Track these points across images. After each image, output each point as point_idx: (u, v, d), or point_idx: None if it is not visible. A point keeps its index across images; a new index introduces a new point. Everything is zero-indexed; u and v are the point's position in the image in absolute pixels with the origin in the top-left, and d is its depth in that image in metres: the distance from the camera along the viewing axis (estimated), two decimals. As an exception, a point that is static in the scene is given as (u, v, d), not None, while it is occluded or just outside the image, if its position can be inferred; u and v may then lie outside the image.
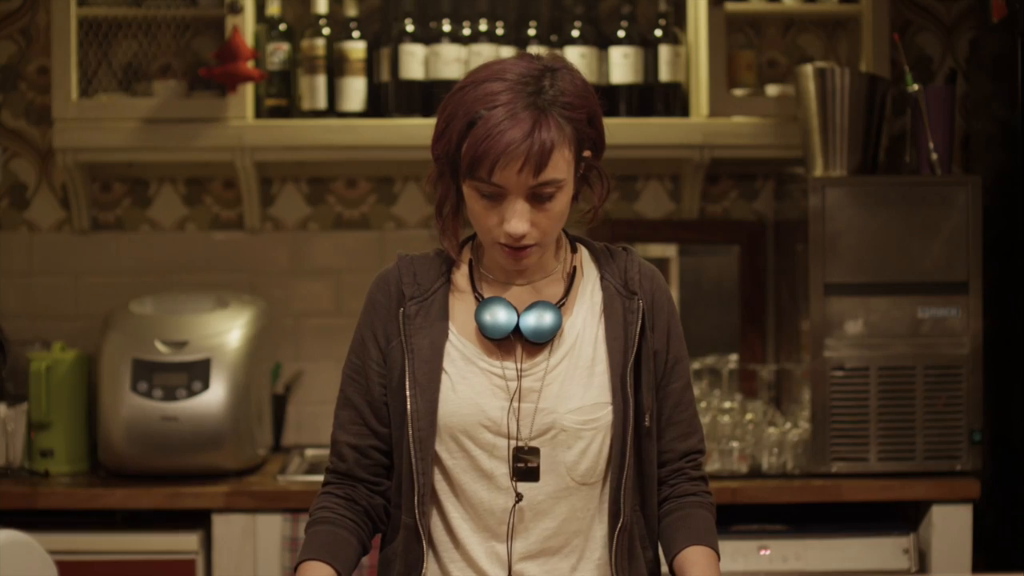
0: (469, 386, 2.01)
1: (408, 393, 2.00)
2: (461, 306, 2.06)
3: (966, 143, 3.77)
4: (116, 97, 3.63)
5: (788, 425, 3.39)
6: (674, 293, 3.85)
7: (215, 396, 3.31)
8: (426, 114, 3.59)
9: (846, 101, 3.38)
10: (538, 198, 1.97)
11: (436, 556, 2.03)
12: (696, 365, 3.60)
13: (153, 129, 3.57)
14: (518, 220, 1.95)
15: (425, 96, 3.59)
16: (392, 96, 3.60)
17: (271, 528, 3.24)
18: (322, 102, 3.60)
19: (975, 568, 3.29)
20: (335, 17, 3.65)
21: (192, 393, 3.31)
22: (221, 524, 3.25)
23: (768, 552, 3.25)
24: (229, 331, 3.40)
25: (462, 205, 2.03)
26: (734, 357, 3.63)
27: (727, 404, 3.44)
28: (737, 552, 3.24)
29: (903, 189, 3.35)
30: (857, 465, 3.31)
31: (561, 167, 1.98)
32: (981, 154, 3.67)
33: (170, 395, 3.30)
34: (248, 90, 3.56)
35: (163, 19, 3.65)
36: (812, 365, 3.32)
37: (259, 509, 3.24)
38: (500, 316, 2.03)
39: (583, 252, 2.14)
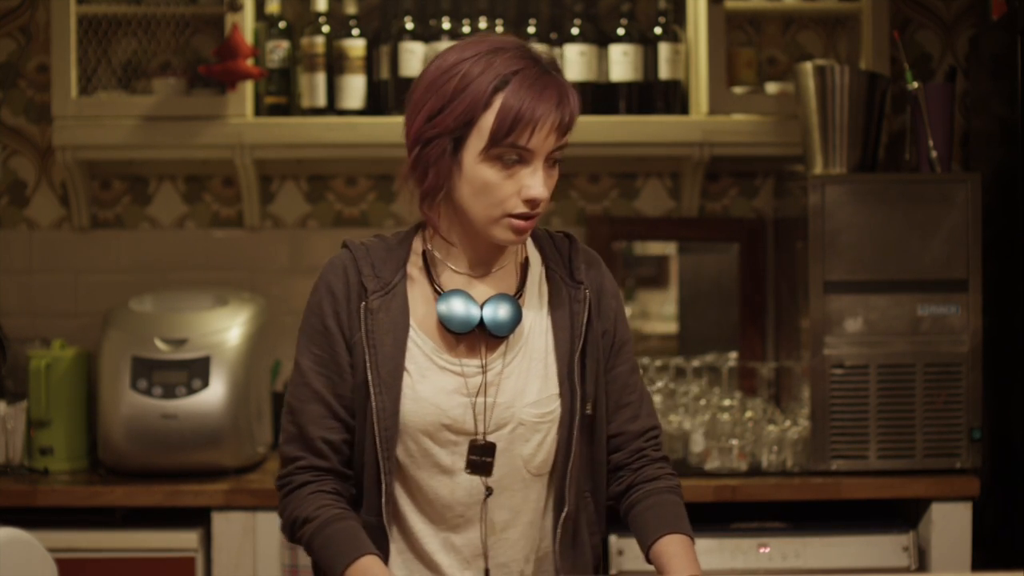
0: (430, 384, 2.00)
1: (373, 391, 1.98)
2: (420, 300, 2.04)
3: (966, 141, 3.77)
4: (116, 95, 3.63)
5: (788, 423, 3.39)
6: (673, 291, 3.85)
7: (215, 394, 3.31)
8: (426, 112, 3.58)
9: (846, 99, 3.38)
10: (550, 163, 1.98)
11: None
12: (695, 363, 3.61)
13: (153, 127, 3.57)
14: (541, 184, 1.95)
15: (425, 94, 3.58)
16: (392, 94, 3.60)
17: (271, 526, 3.24)
18: (322, 100, 3.60)
19: (974, 566, 3.29)
20: (335, 15, 3.65)
21: (192, 391, 3.31)
22: (221, 522, 3.25)
23: (767, 550, 3.25)
24: (229, 329, 3.40)
25: (452, 187, 2.00)
26: (733, 355, 3.63)
27: (727, 402, 3.44)
28: (736, 550, 3.25)
29: (903, 187, 3.35)
30: (857, 463, 3.31)
31: (570, 133, 2.00)
32: (981, 152, 3.67)
33: (170, 393, 3.30)
34: (248, 88, 3.56)
35: (163, 17, 3.65)
36: (812, 363, 3.32)
37: (259, 507, 3.24)
38: (461, 309, 2.01)
39: (528, 240, 2.12)
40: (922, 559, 3.28)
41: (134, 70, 3.73)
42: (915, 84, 3.43)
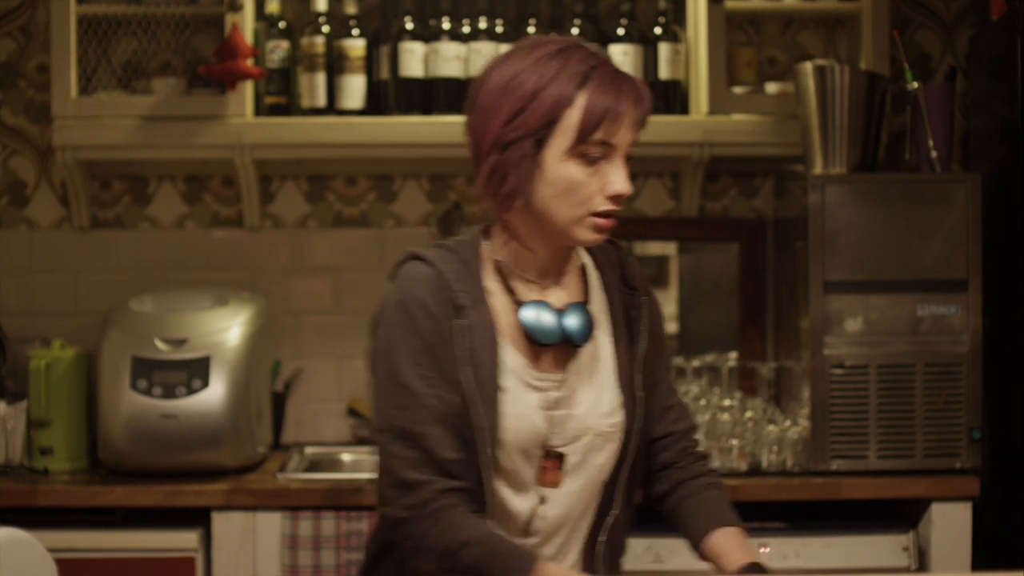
0: (524, 403, 1.96)
1: (475, 411, 1.93)
2: (500, 312, 1.99)
3: (966, 141, 3.77)
4: (116, 95, 3.63)
5: (787, 423, 3.39)
6: (673, 291, 3.86)
7: (215, 394, 3.31)
8: (425, 112, 3.59)
9: (846, 99, 3.38)
10: (627, 160, 1.96)
11: None
12: (695, 363, 3.60)
13: (152, 127, 3.57)
14: (625, 179, 1.93)
15: (425, 94, 3.59)
16: (392, 94, 3.60)
17: (271, 526, 3.24)
18: (322, 100, 3.60)
19: (974, 566, 3.29)
20: (335, 15, 3.65)
21: (192, 391, 3.31)
22: (221, 522, 3.25)
23: (767, 550, 3.25)
24: (229, 329, 3.40)
25: (533, 190, 1.95)
26: (733, 355, 3.63)
27: (726, 402, 3.44)
28: (736, 550, 3.24)
29: (903, 187, 3.35)
30: (856, 463, 3.31)
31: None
32: (981, 152, 3.67)
33: (170, 393, 3.30)
34: (248, 88, 3.56)
35: (163, 17, 3.66)
36: (811, 363, 3.32)
37: (259, 507, 3.24)
38: (547, 320, 1.97)
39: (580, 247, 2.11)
40: (922, 559, 3.28)
41: (134, 70, 3.73)
42: (915, 84, 3.43)
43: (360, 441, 3.80)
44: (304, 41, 3.62)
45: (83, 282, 3.81)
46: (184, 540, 3.25)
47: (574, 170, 1.92)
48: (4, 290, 3.78)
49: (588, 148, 1.91)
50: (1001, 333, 3.43)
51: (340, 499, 3.24)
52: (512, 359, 1.97)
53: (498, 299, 2.00)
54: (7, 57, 3.79)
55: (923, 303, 3.33)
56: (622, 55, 3.61)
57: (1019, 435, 3.38)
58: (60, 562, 2.13)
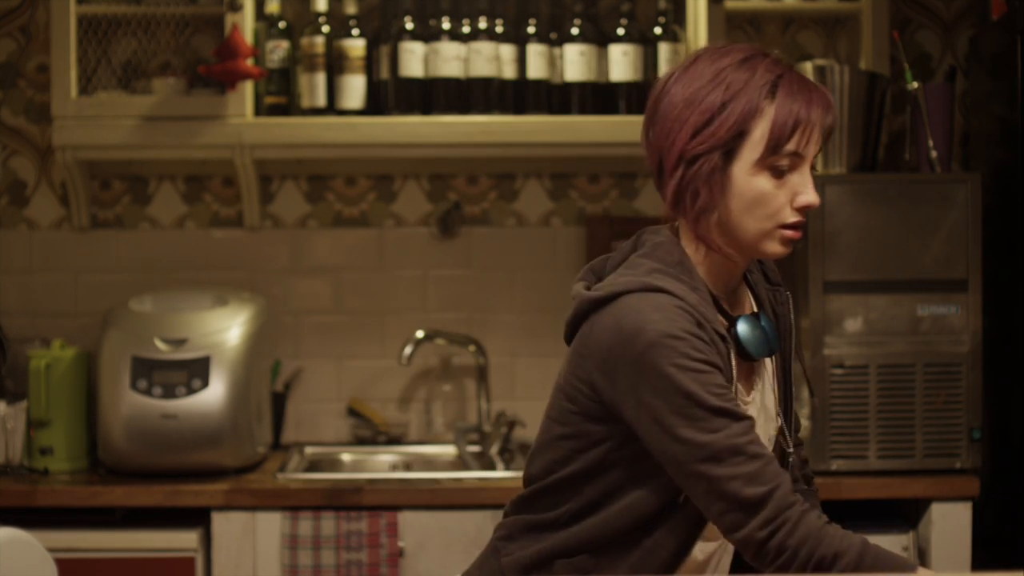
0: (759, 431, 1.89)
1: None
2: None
3: (965, 141, 3.77)
4: (115, 95, 3.63)
5: (787, 423, 3.39)
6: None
7: (214, 394, 3.31)
8: (425, 112, 3.59)
9: (845, 99, 3.38)
10: (812, 170, 1.91)
11: None
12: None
13: (152, 127, 3.57)
14: (813, 190, 1.88)
15: (424, 94, 3.59)
16: (392, 94, 3.60)
17: (271, 526, 3.24)
18: (322, 100, 3.60)
19: (974, 566, 3.29)
20: (334, 15, 3.65)
21: (191, 391, 3.31)
22: (221, 522, 3.25)
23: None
24: (228, 329, 3.39)
25: (723, 204, 1.90)
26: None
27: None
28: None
29: (903, 187, 3.35)
30: (856, 463, 3.31)
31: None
32: (980, 152, 3.67)
33: (170, 393, 3.30)
34: (248, 88, 3.56)
35: (163, 17, 3.65)
36: (812, 363, 3.32)
37: (259, 507, 3.25)
38: (759, 333, 1.92)
39: None
40: (922, 559, 3.28)
41: (134, 70, 3.73)
42: (915, 84, 3.43)
43: (360, 441, 3.80)
44: (304, 41, 3.62)
45: (83, 282, 3.81)
46: (184, 540, 3.25)
47: (763, 183, 1.88)
48: (4, 290, 3.78)
49: (778, 160, 1.87)
50: (1001, 333, 3.43)
51: (340, 499, 3.24)
52: (737, 387, 1.92)
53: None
54: (7, 57, 3.79)
55: (923, 303, 3.33)
56: (622, 55, 3.61)
57: (1019, 435, 3.38)
58: (60, 562, 2.13)
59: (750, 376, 1.97)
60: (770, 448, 1.98)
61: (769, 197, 1.87)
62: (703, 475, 1.79)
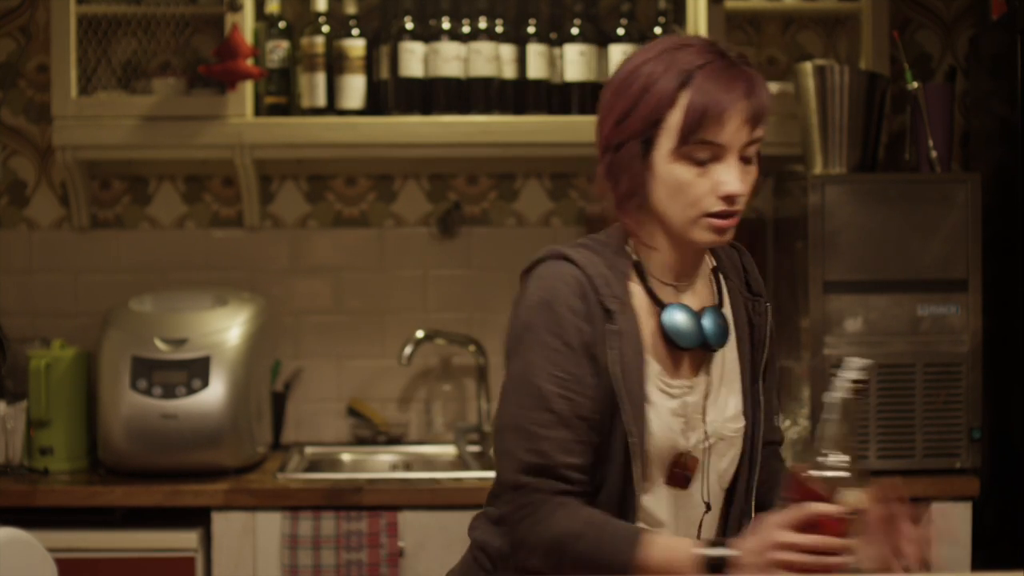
0: (666, 412, 1.93)
1: (626, 420, 1.88)
2: (641, 315, 1.95)
3: (965, 140, 3.77)
4: (115, 95, 3.63)
5: (787, 423, 3.39)
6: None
7: (214, 394, 3.31)
8: (425, 112, 3.59)
9: (845, 99, 3.38)
10: (745, 160, 1.91)
11: None
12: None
13: (152, 127, 3.57)
14: (737, 179, 1.89)
15: (424, 94, 3.59)
16: (391, 94, 3.60)
17: (270, 526, 3.24)
18: (321, 100, 3.60)
19: (974, 566, 3.29)
20: (334, 15, 3.65)
21: (191, 391, 3.31)
22: (221, 522, 3.25)
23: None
24: (228, 329, 3.39)
25: (648, 192, 1.92)
26: (734, 355, 3.62)
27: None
28: (736, 550, 3.24)
29: (903, 186, 3.35)
30: (856, 463, 3.31)
31: (764, 125, 1.93)
32: (980, 151, 3.66)
33: (169, 393, 3.30)
34: (247, 88, 3.56)
35: (162, 17, 3.66)
36: (811, 363, 3.32)
37: (259, 507, 3.25)
38: (691, 324, 1.94)
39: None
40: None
41: (134, 70, 3.73)
42: (915, 84, 3.43)
43: (360, 441, 3.80)
44: (304, 41, 3.62)
45: (83, 282, 3.81)
46: (184, 540, 3.25)
47: (682, 171, 1.89)
48: (4, 290, 3.78)
49: (693, 149, 1.88)
50: (1001, 333, 3.43)
51: (340, 499, 3.24)
52: (652, 366, 1.93)
53: (639, 302, 1.96)
54: (7, 57, 3.79)
55: (923, 303, 3.33)
56: (622, 55, 3.61)
57: (1019, 435, 3.38)
58: (60, 562, 2.13)
59: (693, 364, 1.98)
60: (734, 450, 1.98)
61: (688, 186, 1.89)
62: (498, 440, 1.92)
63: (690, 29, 3.64)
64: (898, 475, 3.30)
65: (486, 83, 3.59)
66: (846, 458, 1.79)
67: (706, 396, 1.98)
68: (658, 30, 3.64)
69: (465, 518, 2.09)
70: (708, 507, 1.97)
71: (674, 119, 1.88)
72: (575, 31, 3.62)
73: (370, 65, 3.63)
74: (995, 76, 3.54)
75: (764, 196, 3.86)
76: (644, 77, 1.90)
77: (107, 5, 3.62)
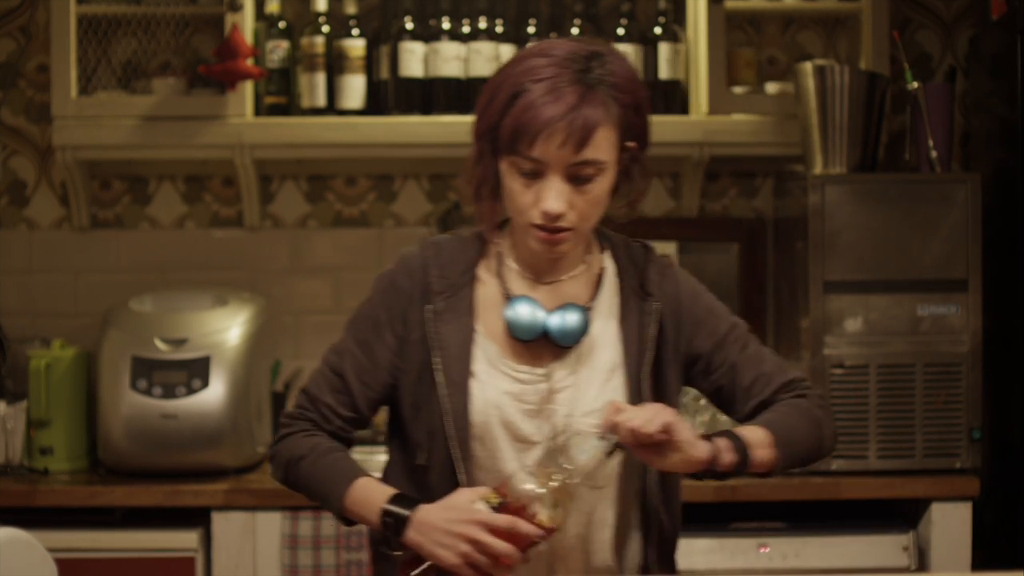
0: (493, 389, 1.99)
1: (443, 393, 1.98)
2: (487, 303, 2.03)
3: (965, 140, 3.77)
4: (115, 95, 3.63)
5: (787, 423, 3.39)
6: (674, 291, 3.84)
7: (215, 394, 3.31)
8: (425, 112, 3.59)
9: (846, 99, 3.38)
10: (578, 179, 1.93)
11: None
12: (696, 363, 3.60)
13: (152, 127, 3.57)
14: (555, 198, 1.92)
15: (424, 94, 3.59)
16: (392, 94, 3.60)
17: (271, 526, 3.24)
18: (322, 100, 3.60)
19: (974, 566, 3.29)
20: (334, 15, 3.65)
21: (192, 391, 3.31)
22: (221, 522, 3.25)
23: (767, 550, 3.25)
24: (228, 329, 3.40)
25: (500, 187, 1.98)
26: (734, 355, 3.62)
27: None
28: (736, 550, 3.25)
29: (903, 187, 3.35)
30: (856, 463, 3.31)
31: (603, 148, 1.94)
32: (980, 151, 3.67)
33: (170, 393, 3.30)
34: (247, 88, 3.56)
35: (162, 17, 3.65)
36: (811, 363, 3.32)
37: (259, 507, 3.24)
38: (529, 316, 1.99)
39: (607, 250, 2.11)
40: (922, 559, 3.28)
41: (134, 70, 3.73)
42: (915, 84, 3.43)
43: (360, 441, 3.80)
44: (304, 41, 3.62)
45: (83, 282, 3.81)
46: (184, 540, 3.25)
47: (512, 180, 1.94)
48: (4, 290, 3.78)
49: (517, 161, 1.92)
50: (1001, 333, 3.43)
51: (340, 499, 3.24)
52: (487, 348, 2.00)
53: (490, 289, 2.03)
54: (7, 57, 3.79)
55: (923, 303, 3.33)
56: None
57: (1019, 435, 3.38)
58: (60, 562, 2.13)
59: (551, 355, 2.00)
60: (595, 452, 1.98)
61: (517, 194, 1.95)
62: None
63: (690, 29, 3.64)
64: (898, 475, 3.30)
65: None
66: (552, 484, 1.87)
67: (561, 389, 2.00)
68: (658, 30, 3.64)
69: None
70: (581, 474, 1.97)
71: (505, 129, 1.93)
72: (575, 31, 3.62)
73: (370, 65, 3.63)
74: (995, 76, 3.54)
75: (764, 196, 3.86)
76: (496, 83, 1.96)
77: (107, 5, 3.62)
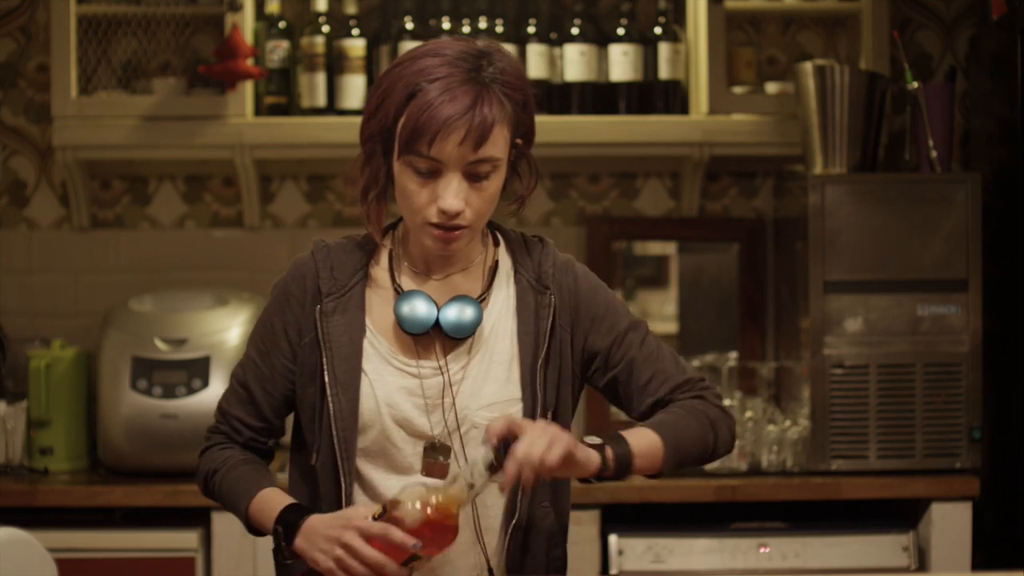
0: (384, 385, 2.00)
1: (330, 392, 1.99)
2: (378, 300, 2.04)
3: (965, 140, 3.77)
4: (116, 95, 3.63)
5: (787, 423, 3.39)
6: (673, 291, 3.85)
7: (215, 394, 3.29)
8: (426, 112, 3.58)
9: (845, 99, 3.38)
10: (473, 177, 1.94)
11: None
12: (695, 363, 3.60)
13: (152, 127, 3.57)
14: (454, 196, 1.93)
15: (425, 94, 3.58)
16: (392, 94, 3.59)
17: (271, 526, 3.24)
18: (322, 100, 3.60)
19: (974, 566, 3.29)
20: (335, 15, 3.65)
21: (192, 391, 3.31)
22: (220, 522, 3.25)
23: (767, 550, 3.25)
24: (229, 329, 3.40)
25: (390, 189, 2.00)
26: (733, 355, 3.63)
27: (726, 402, 3.43)
28: (736, 550, 3.25)
29: (903, 186, 3.35)
30: (857, 463, 3.31)
31: (499, 145, 1.95)
32: (980, 151, 3.66)
33: (170, 393, 3.31)
34: (248, 88, 3.56)
35: (163, 17, 3.65)
36: (812, 363, 3.32)
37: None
38: (419, 310, 2.00)
39: (501, 244, 2.11)
40: (922, 559, 3.28)
41: (134, 70, 3.73)
42: (915, 84, 3.43)
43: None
44: (304, 41, 3.62)
45: (83, 282, 3.81)
46: (184, 540, 3.25)
47: (407, 179, 1.95)
48: (4, 290, 3.78)
49: (413, 160, 1.93)
50: (1001, 333, 3.43)
51: (340, 499, 3.24)
52: (379, 344, 2.01)
53: (381, 287, 2.05)
54: (7, 57, 3.79)
55: (923, 303, 3.33)
56: (622, 55, 3.61)
57: (1019, 435, 3.38)
58: (60, 562, 2.13)
59: (443, 349, 2.01)
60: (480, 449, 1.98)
61: (412, 194, 1.95)
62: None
63: (690, 29, 3.64)
64: (898, 475, 3.30)
65: (486, 83, 3.58)
66: (436, 499, 1.86)
67: (456, 383, 2.01)
68: (658, 30, 3.64)
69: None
70: (471, 487, 1.94)
71: (399, 129, 1.93)
72: (575, 31, 3.62)
73: (370, 65, 3.63)
74: (995, 76, 3.54)
75: (764, 196, 3.86)
76: (387, 83, 1.95)
77: (107, 5, 3.62)
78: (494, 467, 1.85)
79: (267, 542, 3.25)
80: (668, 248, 3.88)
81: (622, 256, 3.85)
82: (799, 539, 3.26)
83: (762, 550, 3.25)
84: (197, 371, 3.32)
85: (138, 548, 3.25)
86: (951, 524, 3.28)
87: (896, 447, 3.32)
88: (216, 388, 3.31)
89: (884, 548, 3.26)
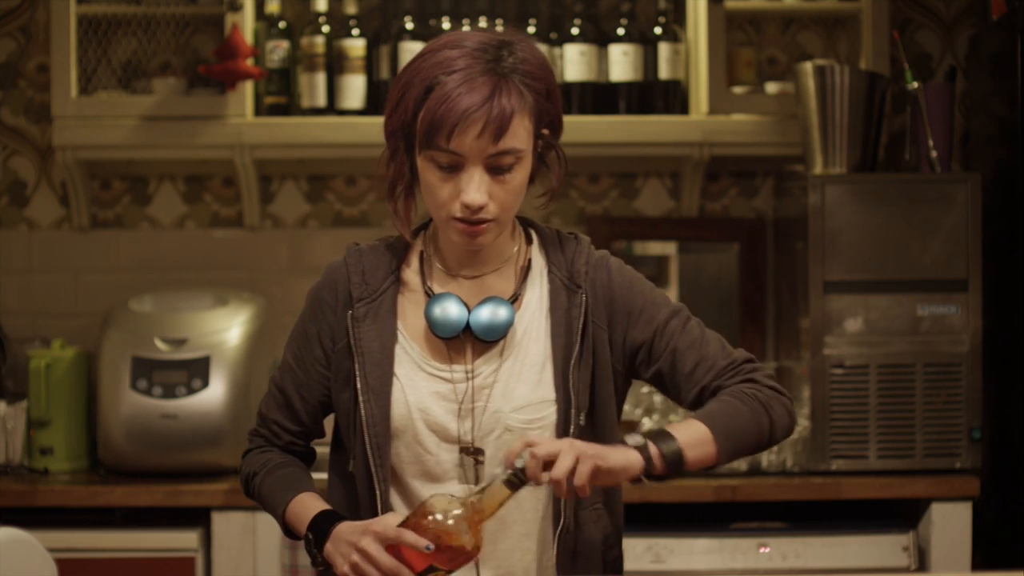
0: (416, 390, 1.98)
1: (361, 399, 1.97)
2: (410, 305, 2.02)
3: (966, 141, 3.77)
4: (116, 95, 3.63)
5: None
6: (673, 291, 3.85)
7: (215, 394, 3.32)
8: (426, 112, 3.59)
9: (845, 99, 3.38)
10: (496, 169, 1.92)
11: None
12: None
13: (152, 127, 3.57)
14: (476, 190, 1.90)
15: (425, 94, 3.58)
16: (392, 94, 3.59)
17: (271, 526, 3.23)
18: (322, 100, 3.60)
19: (974, 566, 3.29)
20: (335, 15, 3.65)
21: (192, 391, 3.31)
22: (221, 522, 3.25)
23: (767, 550, 3.25)
24: (229, 329, 3.40)
25: (416, 185, 1.98)
26: (734, 355, 3.63)
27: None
28: (736, 550, 3.25)
29: (903, 187, 3.35)
30: (856, 463, 3.32)
31: (521, 136, 1.92)
32: (981, 151, 3.67)
33: (170, 393, 3.31)
34: (248, 88, 3.56)
35: (163, 17, 3.66)
36: (812, 363, 3.32)
37: (259, 507, 3.23)
38: (451, 313, 1.98)
39: (535, 241, 2.08)
40: (922, 559, 3.28)
41: (134, 70, 3.73)
42: (915, 84, 3.43)
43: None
44: (304, 41, 3.62)
45: (83, 282, 3.81)
46: (184, 540, 3.25)
47: (430, 173, 1.93)
48: (4, 290, 3.78)
49: (434, 154, 1.91)
50: (1001, 333, 3.43)
51: (340, 499, 3.24)
52: (410, 349, 2.00)
53: (413, 290, 2.04)
54: (7, 57, 3.79)
55: (923, 303, 3.33)
56: (622, 55, 3.61)
57: (1019, 435, 3.38)
58: (60, 562, 2.13)
59: (475, 352, 1.99)
60: (536, 424, 1.98)
61: (436, 188, 1.94)
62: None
63: (690, 29, 3.64)
64: (898, 475, 3.30)
65: (486, 83, 3.58)
66: (459, 511, 1.84)
67: (488, 386, 1.99)
68: (658, 30, 3.64)
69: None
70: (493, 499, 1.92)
71: (419, 123, 1.92)
72: (575, 31, 3.62)
73: (370, 65, 3.63)
74: (995, 76, 3.54)
75: (764, 196, 3.86)
76: (407, 77, 1.94)
77: (107, 5, 3.62)
78: (514, 483, 1.83)
79: (267, 542, 3.26)
80: (668, 248, 3.88)
81: (622, 256, 3.83)
82: (799, 539, 3.26)
83: (762, 550, 3.25)
84: (197, 371, 3.32)
85: (138, 548, 3.25)
86: (951, 524, 3.28)
87: (896, 447, 3.32)
88: (216, 388, 3.32)
89: (884, 548, 3.26)
